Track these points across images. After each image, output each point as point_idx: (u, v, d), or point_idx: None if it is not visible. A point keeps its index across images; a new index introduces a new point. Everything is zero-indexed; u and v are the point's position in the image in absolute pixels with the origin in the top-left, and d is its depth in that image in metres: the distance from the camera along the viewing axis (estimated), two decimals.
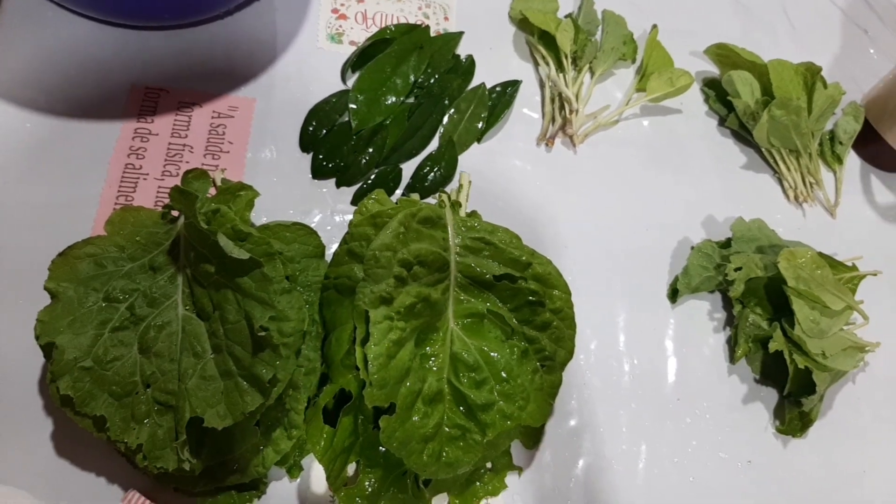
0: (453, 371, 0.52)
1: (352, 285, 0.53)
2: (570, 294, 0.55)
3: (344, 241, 0.55)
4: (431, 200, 0.65)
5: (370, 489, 0.53)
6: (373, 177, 0.67)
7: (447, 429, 0.51)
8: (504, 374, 0.52)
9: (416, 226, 0.53)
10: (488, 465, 0.56)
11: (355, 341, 0.51)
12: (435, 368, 0.52)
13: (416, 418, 0.50)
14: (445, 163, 0.67)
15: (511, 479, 0.56)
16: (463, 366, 0.52)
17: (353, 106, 0.68)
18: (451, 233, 0.55)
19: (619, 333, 0.63)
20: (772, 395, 0.63)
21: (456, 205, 0.59)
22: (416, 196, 0.63)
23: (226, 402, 0.49)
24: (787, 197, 0.73)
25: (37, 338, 0.50)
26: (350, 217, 0.64)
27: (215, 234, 0.49)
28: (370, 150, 0.67)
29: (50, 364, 0.49)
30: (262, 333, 0.48)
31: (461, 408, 0.52)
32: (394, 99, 0.69)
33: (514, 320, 0.54)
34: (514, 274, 0.54)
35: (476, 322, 0.54)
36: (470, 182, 0.62)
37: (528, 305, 0.54)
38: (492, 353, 0.53)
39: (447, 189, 0.65)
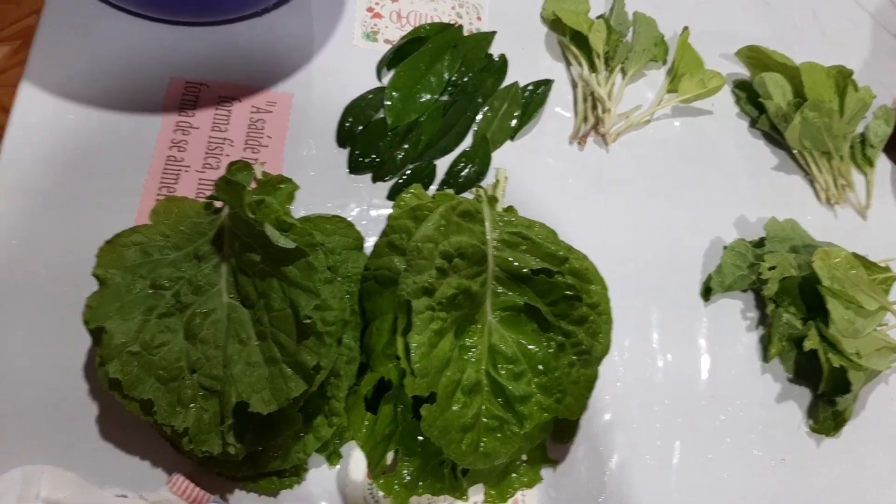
0: (491, 363, 0.53)
1: (392, 277, 0.54)
2: (606, 289, 0.55)
3: (384, 234, 0.56)
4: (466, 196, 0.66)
5: (408, 477, 0.53)
6: (408, 172, 0.67)
7: (485, 419, 0.52)
8: (541, 367, 0.53)
9: (456, 219, 0.53)
10: (523, 457, 0.56)
11: (396, 331, 0.52)
12: (474, 360, 0.52)
13: (455, 408, 0.51)
14: (479, 160, 0.68)
15: (546, 472, 0.56)
16: (501, 358, 0.53)
17: (389, 103, 0.69)
18: (488, 227, 0.56)
19: (653, 331, 0.64)
20: (805, 394, 0.63)
21: (493, 200, 0.59)
22: (450, 192, 0.64)
23: (270, 387, 0.49)
24: (819, 199, 0.73)
25: (86, 322, 0.51)
26: (385, 211, 0.65)
27: (262, 223, 0.50)
28: (405, 146, 0.68)
29: (99, 348, 0.50)
30: (307, 321, 0.49)
31: (499, 399, 0.52)
32: (428, 96, 0.70)
33: (550, 314, 0.54)
34: (550, 268, 0.55)
35: (513, 315, 0.54)
36: (506, 177, 0.62)
37: (565, 300, 0.55)
38: (529, 346, 0.53)
39: (481, 185, 0.66)
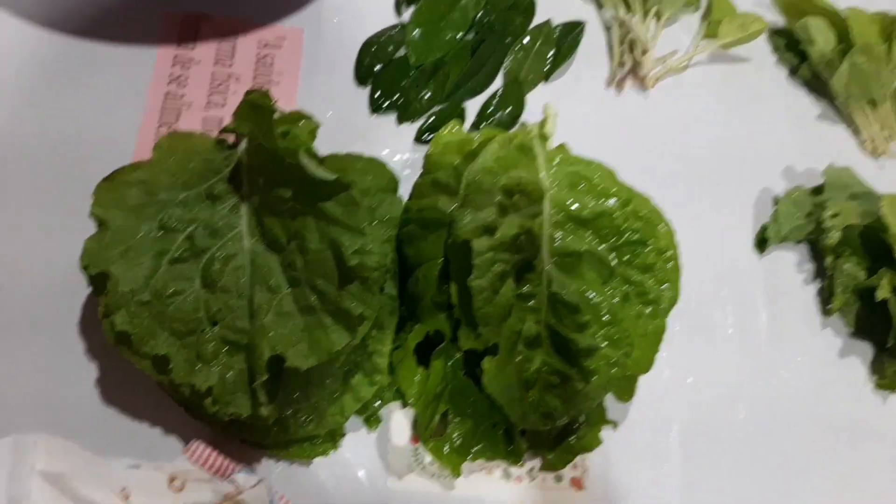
0: (553, 312, 0.47)
1: (437, 218, 0.48)
2: (673, 233, 0.50)
3: (426, 172, 0.50)
4: None
5: (459, 441, 0.47)
6: (435, 114, 0.61)
7: (546, 375, 0.46)
8: (607, 318, 0.47)
9: (514, 152, 0.47)
10: (581, 418, 0.51)
11: (449, 277, 0.46)
12: (533, 309, 0.47)
13: (517, 360, 0.45)
14: (513, 102, 0.62)
15: (605, 433, 0.51)
16: (563, 308, 0.47)
17: (411, 39, 0.63)
18: (542, 164, 0.50)
19: (707, 285, 0.59)
20: (867, 349, 0.59)
21: (544, 137, 0.53)
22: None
23: (307, 340, 0.43)
24: (864, 149, 0.69)
25: (84, 268, 0.44)
26: (414, 156, 0.59)
27: (296, 152, 0.43)
28: (431, 86, 0.62)
29: (103, 297, 0.43)
30: (353, 263, 0.42)
31: (561, 353, 0.47)
32: (453, 34, 0.64)
33: (613, 261, 0.49)
34: (612, 211, 0.49)
35: (573, 261, 0.48)
36: (556, 114, 0.56)
37: (629, 245, 0.49)
38: (592, 295, 0.48)
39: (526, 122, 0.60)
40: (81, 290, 0.49)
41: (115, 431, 0.46)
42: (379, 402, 0.49)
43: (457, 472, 0.46)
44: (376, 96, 0.61)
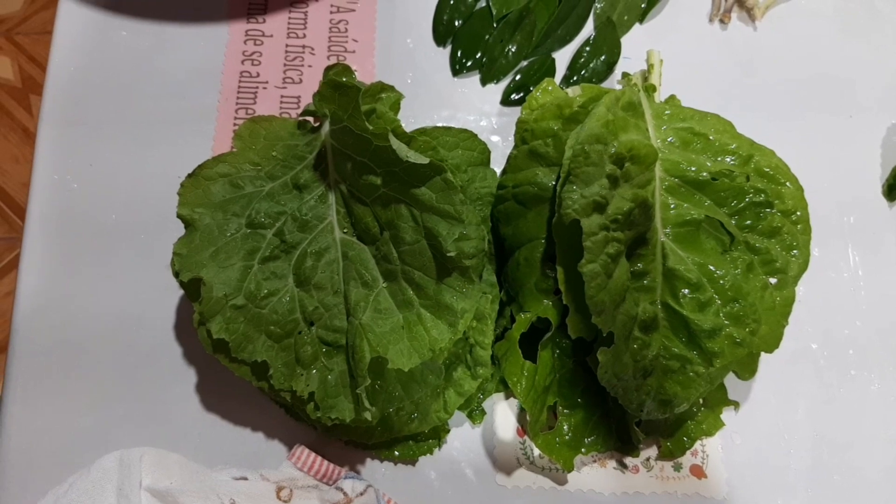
0: (669, 291, 0.43)
1: (537, 193, 0.44)
2: (802, 190, 0.45)
3: (521, 142, 0.46)
4: None
5: (569, 434, 0.45)
6: (521, 71, 0.56)
7: (664, 361, 0.43)
8: (731, 293, 0.43)
9: (622, 113, 0.43)
10: (700, 401, 0.47)
11: (552, 260, 0.43)
12: (647, 289, 0.43)
13: (634, 348, 0.41)
14: (607, 48, 0.57)
15: (727, 415, 0.47)
16: (682, 284, 0.43)
17: None
18: (650, 122, 0.45)
19: (832, 239, 0.53)
20: None
21: (651, 89, 0.48)
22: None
23: (408, 337, 0.41)
24: None
25: (176, 274, 0.42)
26: (503, 119, 0.55)
27: (385, 135, 0.40)
28: (517, 38, 0.57)
29: (197, 304, 0.42)
30: (452, 253, 0.39)
31: (680, 335, 0.43)
32: None
33: (735, 227, 0.44)
34: (732, 169, 0.44)
35: (690, 231, 0.44)
36: (661, 60, 0.51)
37: (752, 207, 0.44)
38: (713, 269, 0.43)
39: (629, 72, 0.55)
40: (174, 294, 0.48)
41: (217, 439, 0.45)
42: (482, 394, 0.46)
43: (569, 466, 0.43)
44: (458, 55, 0.57)
